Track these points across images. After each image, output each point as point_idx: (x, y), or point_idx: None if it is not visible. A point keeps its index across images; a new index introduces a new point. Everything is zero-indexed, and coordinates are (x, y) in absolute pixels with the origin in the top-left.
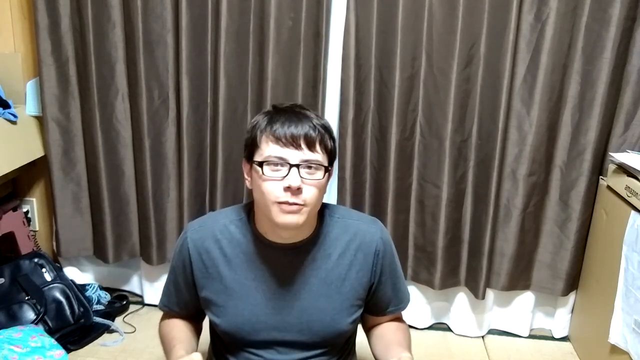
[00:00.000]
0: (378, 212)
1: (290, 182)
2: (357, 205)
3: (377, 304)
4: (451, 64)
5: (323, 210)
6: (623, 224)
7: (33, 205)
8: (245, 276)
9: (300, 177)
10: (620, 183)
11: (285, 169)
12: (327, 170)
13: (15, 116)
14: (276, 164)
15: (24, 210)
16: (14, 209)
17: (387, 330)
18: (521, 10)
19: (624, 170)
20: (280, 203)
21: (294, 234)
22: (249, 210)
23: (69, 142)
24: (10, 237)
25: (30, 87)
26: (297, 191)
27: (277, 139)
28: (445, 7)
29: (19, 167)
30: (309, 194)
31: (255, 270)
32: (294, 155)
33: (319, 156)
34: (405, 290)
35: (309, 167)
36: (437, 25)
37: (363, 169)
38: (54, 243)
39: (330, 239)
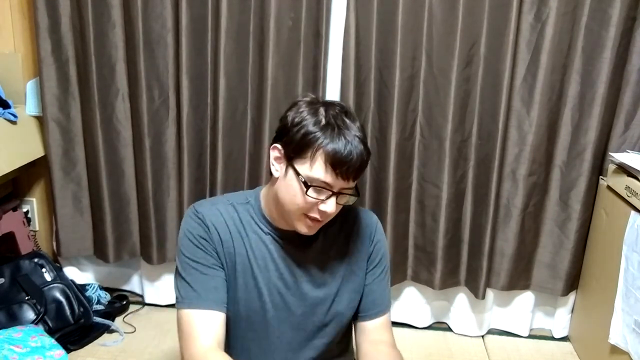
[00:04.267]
0: (378, 212)
1: (327, 209)
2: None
3: (362, 298)
4: (451, 64)
5: None
6: (623, 224)
7: (33, 205)
8: (254, 255)
9: (337, 203)
10: (620, 183)
11: (326, 193)
12: (357, 194)
13: (15, 116)
14: (320, 187)
15: (24, 210)
16: (14, 209)
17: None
18: (521, 10)
19: (624, 170)
20: (307, 216)
21: None
22: (255, 197)
23: (69, 142)
24: (10, 237)
25: (30, 87)
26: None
27: (334, 166)
28: (445, 7)
29: (19, 167)
30: (336, 211)
31: (264, 251)
32: (340, 184)
33: (354, 183)
34: (389, 295)
35: (346, 194)
36: (437, 25)
37: None
38: (54, 243)
39: (334, 226)
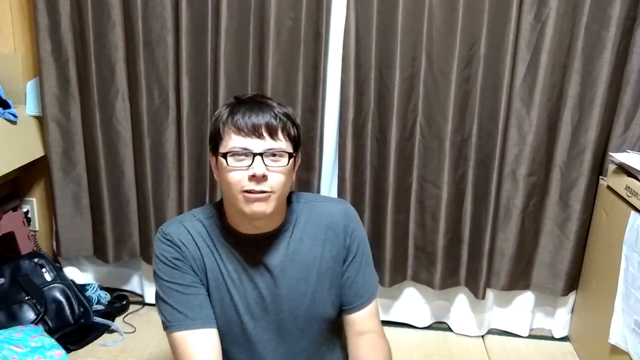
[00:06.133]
0: (378, 212)
1: (255, 171)
2: (357, 205)
3: (345, 291)
4: (451, 64)
5: (290, 197)
6: (623, 224)
7: (33, 205)
8: (226, 269)
9: (265, 165)
10: (620, 183)
11: (249, 159)
12: (292, 156)
13: (15, 116)
14: (240, 154)
15: (24, 210)
16: (14, 209)
17: (362, 350)
18: (521, 10)
19: (624, 170)
20: (246, 192)
21: (265, 223)
22: (219, 207)
23: (69, 142)
24: (10, 237)
25: (30, 87)
26: (263, 179)
27: (239, 130)
28: (445, 7)
29: (19, 167)
30: (274, 180)
31: (235, 262)
32: (257, 144)
33: (282, 144)
34: (372, 281)
35: (273, 155)
36: (437, 25)
37: (363, 169)
38: (54, 243)
39: (300, 223)
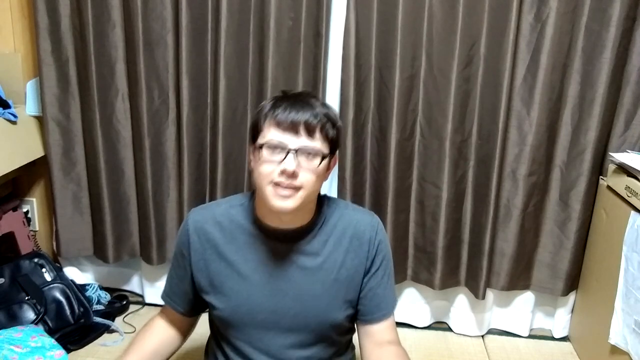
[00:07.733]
0: (378, 212)
1: (286, 166)
2: (359, 205)
3: (366, 302)
4: (451, 64)
5: (322, 200)
6: (623, 224)
7: (33, 205)
8: (244, 258)
9: (297, 162)
10: (620, 183)
11: (283, 153)
12: (325, 157)
13: (15, 116)
14: (275, 148)
15: (24, 210)
16: (14, 209)
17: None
18: (521, 10)
19: (624, 170)
20: (275, 184)
21: (291, 219)
22: (251, 197)
23: (69, 142)
24: (10, 237)
25: (30, 87)
26: (293, 175)
27: (278, 124)
28: (445, 7)
29: (19, 167)
30: (304, 178)
31: (254, 253)
32: (292, 140)
33: (317, 143)
34: (393, 296)
35: (308, 154)
36: (437, 25)
37: (363, 169)
38: (54, 243)
39: (327, 226)
